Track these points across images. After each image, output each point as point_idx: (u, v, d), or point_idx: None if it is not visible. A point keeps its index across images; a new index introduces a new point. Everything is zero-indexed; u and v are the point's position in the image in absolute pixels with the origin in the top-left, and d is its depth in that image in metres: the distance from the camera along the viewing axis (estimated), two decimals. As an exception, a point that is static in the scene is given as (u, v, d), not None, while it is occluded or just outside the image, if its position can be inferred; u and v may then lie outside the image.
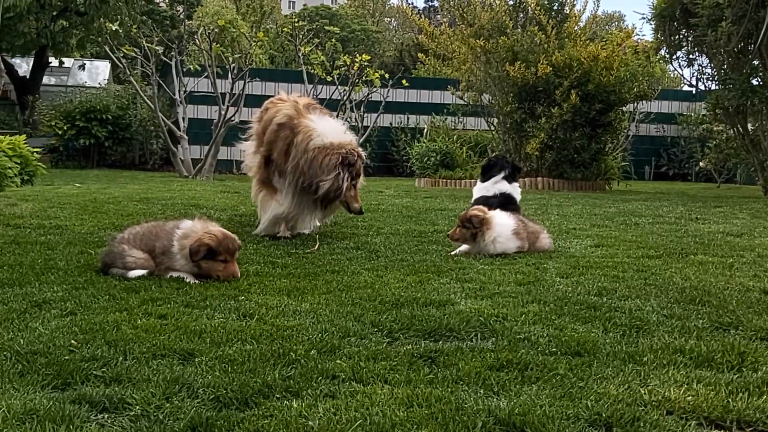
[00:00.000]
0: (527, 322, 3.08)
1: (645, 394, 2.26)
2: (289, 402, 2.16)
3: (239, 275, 3.97)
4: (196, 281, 3.83)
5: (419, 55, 18.87)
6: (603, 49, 13.18)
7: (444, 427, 2.00)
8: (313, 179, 5.20)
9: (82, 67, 24.50)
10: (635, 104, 15.39)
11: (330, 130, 5.37)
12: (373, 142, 17.40)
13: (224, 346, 2.66)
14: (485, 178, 5.71)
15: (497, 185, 5.65)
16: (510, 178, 5.73)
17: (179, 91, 15.37)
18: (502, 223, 5.00)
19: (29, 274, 3.86)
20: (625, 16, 53.42)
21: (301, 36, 16.20)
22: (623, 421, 2.06)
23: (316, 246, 5.12)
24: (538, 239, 5.16)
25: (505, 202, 5.83)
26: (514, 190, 5.72)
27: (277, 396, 2.21)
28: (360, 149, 5.36)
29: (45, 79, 24.29)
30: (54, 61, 23.75)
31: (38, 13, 18.61)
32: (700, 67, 13.45)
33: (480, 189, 5.68)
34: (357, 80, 15.12)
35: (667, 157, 20.44)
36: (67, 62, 24.02)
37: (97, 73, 26.79)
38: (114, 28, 15.99)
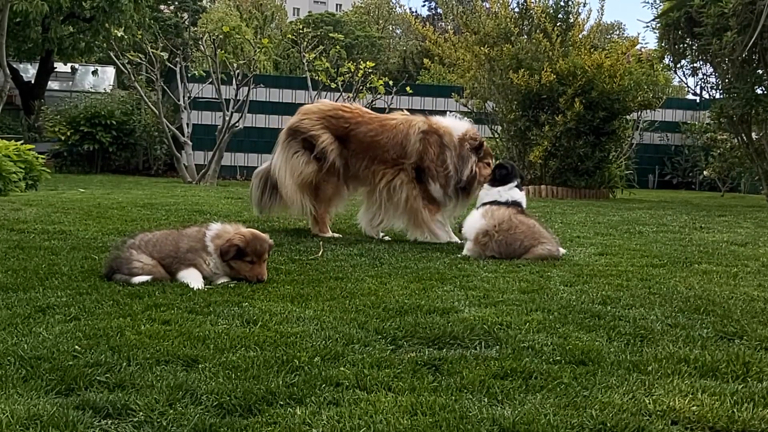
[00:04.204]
0: (531, 330, 3.07)
1: (650, 403, 2.25)
2: (293, 409, 2.16)
3: (265, 278, 4.03)
4: (203, 287, 3.82)
5: (424, 60, 18.87)
6: (607, 57, 13.20)
7: (448, 435, 2.00)
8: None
9: (95, 72, 24.60)
10: (639, 112, 15.40)
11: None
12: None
13: (228, 353, 2.65)
14: (500, 183, 5.72)
15: (510, 192, 5.67)
16: (518, 187, 5.74)
17: (183, 96, 15.41)
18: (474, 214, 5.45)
19: (33, 279, 3.87)
20: (625, 25, 53.34)
21: (305, 43, 16.24)
22: (628, 431, 2.06)
23: (320, 252, 5.12)
24: (545, 244, 5.17)
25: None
26: (522, 198, 5.73)
27: (281, 403, 2.21)
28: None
29: (50, 84, 24.38)
30: (65, 67, 23.78)
31: (47, 17, 18.68)
32: (705, 76, 13.47)
33: (492, 194, 5.69)
34: (361, 87, 15.15)
35: (671, 165, 20.42)
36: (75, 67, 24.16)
37: (102, 78, 26.88)
38: (119, 34, 16.04)
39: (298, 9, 67.85)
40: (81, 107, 17.53)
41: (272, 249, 4.27)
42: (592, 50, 13.65)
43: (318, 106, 6.56)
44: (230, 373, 2.43)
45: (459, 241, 5.90)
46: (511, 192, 5.66)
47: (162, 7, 36.77)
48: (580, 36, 14.12)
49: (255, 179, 6.73)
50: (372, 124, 6.23)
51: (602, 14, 21.14)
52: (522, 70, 13.13)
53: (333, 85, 15.40)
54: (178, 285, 3.82)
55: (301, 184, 6.23)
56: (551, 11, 14.08)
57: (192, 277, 3.90)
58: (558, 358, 2.69)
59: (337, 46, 18.10)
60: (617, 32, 46.55)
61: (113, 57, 15.62)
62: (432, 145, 6.05)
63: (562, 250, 5.30)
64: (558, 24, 14.00)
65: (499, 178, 5.74)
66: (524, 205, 5.68)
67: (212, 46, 15.02)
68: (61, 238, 5.44)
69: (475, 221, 5.31)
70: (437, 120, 6.21)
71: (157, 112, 15.06)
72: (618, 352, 2.79)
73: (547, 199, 12.40)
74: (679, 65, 13.71)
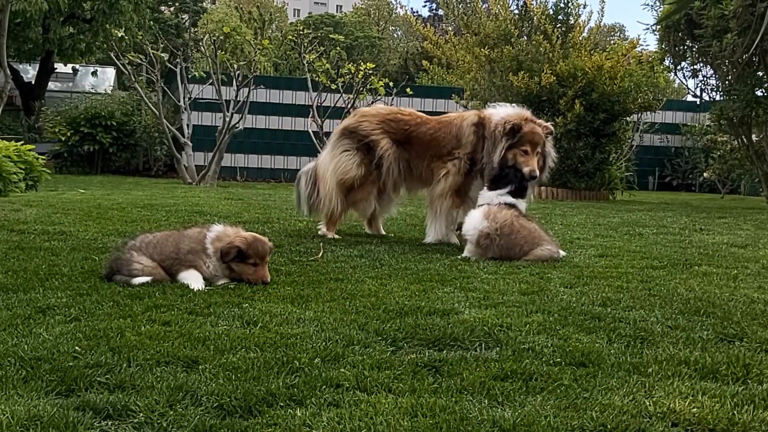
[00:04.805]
0: (531, 332, 3.07)
1: (650, 405, 2.25)
2: (293, 410, 2.16)
3: (269, 279, 4.01)
4: (203, 288, 3.82)
5: (424, 62, 18.88)
6: (607, 59, 13.21)
7: (448, 437, 2.00)
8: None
9: (95, 73, 24.62)
10: (639, 114, 15.40)
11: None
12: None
13: (228, 354, 2.65)
14: (494, 187, 5.70)
15: (501, 197, 5.64)
16: (515, 194, 5.68)
17: (184, 97, 15.42)
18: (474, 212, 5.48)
19: (33, 279, 3.87)
20: (625, 27, 53.49)
21: (305, 44, 16.24)
22: (628, 433, 2.06)
23: (320, 254, 5.12)
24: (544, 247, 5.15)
25: None
26: (519, 204, 5.70)
27: (281, 404, 2.21)
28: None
29: (50, 85, 24.39)
30: (64, 68, 23.74)
31: (47, 18, 18.70)
32: (705, 78, 13.48)
33: (486, 197, 5.67)
34: (361, 88, 15.15)
35: (671, 167, 20.43)
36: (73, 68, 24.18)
37: (102, 79, 26.90)
38: (120, 35, 16.05)
39: (299, 10, 68.03)
40: (81, 108, 17.54)
41: (272, 251, 4.27)
42: (592, 52, 13.67)
43: (376, 109, 6.52)
44: (230, 374, 2.43)
45: (458, 243, 5.89)
46: (504, 198, 5.60)
47: (162, 8, 36.82)
48: (580, 38, 14.13)
49: (303, 177, 6.54)
50: (431, 123, 6.22)
51: (602, 16, 21.23)
52: (522, 71, 13.13)
53: (333, 87, 15.40)
54: (179, 286, 3.82)
55: (341, 183, 6.17)
56: (551, 13, 14.09)
57: (192, 278, 3.90)
58: (558, 359, 2.69)
59: (338, 47, 18.08)
60: (618, 34, 46.61)
61: (113, 58, 15.63)
62: (480, 138, 6.01)
63: (562, 253, 5.29)
64: (558, 26, 14.02)
65: (493, 181, 5.72)
66: (522, 209, 5.65)
67: (212, 47, 15.02)
68: (61, 238, 5.44)
69: (476, 222, 5.27)
70: (485, 111, 6.19)
71: (157, 113, 15.07)
72: (618, 353, 2.79)
73: (547, 201, 12.41)
74: (679, 67, 13.73)
